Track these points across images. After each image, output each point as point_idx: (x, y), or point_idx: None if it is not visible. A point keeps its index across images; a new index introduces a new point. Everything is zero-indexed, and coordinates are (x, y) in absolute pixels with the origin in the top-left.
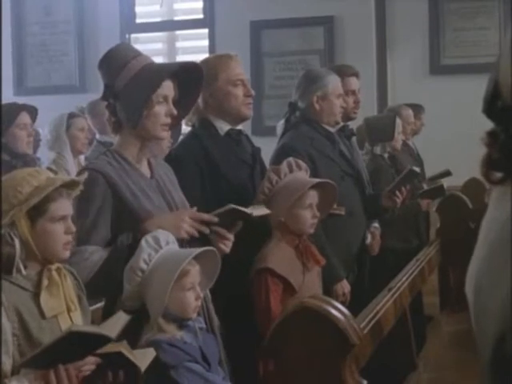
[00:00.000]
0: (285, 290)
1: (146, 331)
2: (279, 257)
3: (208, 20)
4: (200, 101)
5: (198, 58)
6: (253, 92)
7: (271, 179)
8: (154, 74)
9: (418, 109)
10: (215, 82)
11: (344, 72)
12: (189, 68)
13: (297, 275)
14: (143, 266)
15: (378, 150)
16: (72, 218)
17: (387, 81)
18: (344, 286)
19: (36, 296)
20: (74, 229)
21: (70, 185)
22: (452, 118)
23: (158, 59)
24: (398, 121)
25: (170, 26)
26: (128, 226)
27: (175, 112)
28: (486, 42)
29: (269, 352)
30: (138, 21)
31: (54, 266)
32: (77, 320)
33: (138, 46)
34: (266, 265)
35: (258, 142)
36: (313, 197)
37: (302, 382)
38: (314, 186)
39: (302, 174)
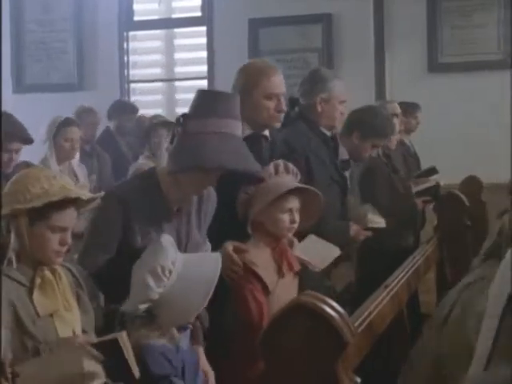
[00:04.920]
0: (259, 289)
1: (137, 327)
2: (255, 256)
3: (206, 18)
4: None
5: (196, 55)
6: (285, 108)
7: None
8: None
9: (414, 107)
10: (252, 90)
11: None
12: None
13: (271, 277)
14: (171, 266)
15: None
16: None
17: (385, 79)
18: (357, 232)
19: (31, 292)
20: (69, 242)
21: (83, 201)
22: (450, 116)
23: (156, 57)
24: (395, 121)
25: (168, 23)
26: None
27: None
28: (484, 40)
29: (263, 349)
30: (136, 18)
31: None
32: (72, 319)
33: (136, 44)
34: (242, 260)
35: None
36: (293, 202)
37: (296, 380)
38: (299, 192)
39: (289, 178)
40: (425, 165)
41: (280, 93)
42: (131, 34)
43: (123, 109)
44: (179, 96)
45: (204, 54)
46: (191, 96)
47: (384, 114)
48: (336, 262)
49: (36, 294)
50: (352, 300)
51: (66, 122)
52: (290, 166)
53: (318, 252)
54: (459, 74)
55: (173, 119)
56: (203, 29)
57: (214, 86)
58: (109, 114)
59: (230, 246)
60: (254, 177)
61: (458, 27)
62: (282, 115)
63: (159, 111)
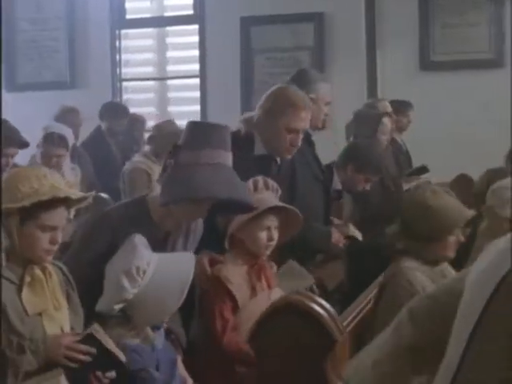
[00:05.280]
0: (229, 307)
1: (112, 327)
2: (232, 272)
3: (198, 16)
4: (256, 113)
5: (188, 53)
6: (299, 144)
7: None
8: None
9: (405, 106)
10: (276, 117)
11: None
12: None
13: (244, 295)
14: (146, 267)
15: None
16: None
17: (377, 77)
18: (337, 238)
19: (20, 290)
20: (59, 241)
21: (74, 200)
22: (442, 114)
23: (148, 55)
24: (386, 120)
25: (160, 21)
26: None
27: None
28: (476, 39)
29: (252, 347)
30: (128, 16)
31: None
32: (61, 318)
33: (128, 42)
34: (218, 274)
35: None
36: (272, 219)
37: (285, 378)
38: (277, 209)
39: (268, 195)
40: (416, 163)
41: (302, 129)
42: (123, 32)
43: (115, 111)
44: (171, 94)
45: (196, 52)
46: (183, 94)
47: (379, 150)
48: (327, 261)
49: (25, 293)
50: (344, 299)
51: (47, 137)
52: (270, 182)
53: (293, 278)
54: (451, 72)
55: (165, 118)
56: (195, 27)
57: (206, 84)
58: (100, 114)
59: (205, 257)
60: (246, 206)
61: (449, 26)
62: (295, 149)
63: (151, 109)
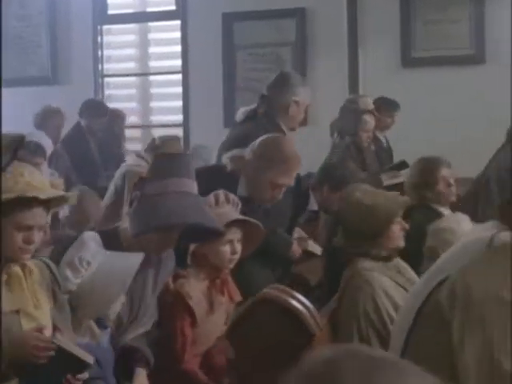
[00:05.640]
0: (188, 323)
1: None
2: (194, 287)
3: (180, 12)
4: (247, 153)
5: (171, 49)
6: (280, 197)
7: None
8: None
9: (391, 105)
10: (267, 168)
11: None
12: None
13: (203, 310)
14: (89, 258)
15: (345, 140)
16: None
17: (359, 73)
18: (296, 250)
19: None
20: (36, 240)
21: (56, 200)
22: (423, 110)
23: (130, 51)
24: (367, 118)
25: (142, 17)
26: None
27: None
28: (457, 35)
29: (231, 342)
30: (110, 12)
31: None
32: (41, 316)
33: (110, 38)
34: (179, 289)
35: None
36: (234, 233)
37: (263, 373)
38: (239, 222)
39: (229, 208)
40: (397, 159)
41: (288, 185)
42: (105, 27)
43: (95, 109)
44: (153, 90)
45: (178, 47)
46: (165, 90)
47: (353, 167)
48: (309, 257)
49: (2, 291)
50: (325, 295)
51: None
52: (231, 196)
53: None
54: (432, 68)
55: (147, 114)
56: (177, 23)
57: (189, 80)
58: (80, 111)
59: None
60: (214, 231)
61: (431, 22)
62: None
63: (133, 105)
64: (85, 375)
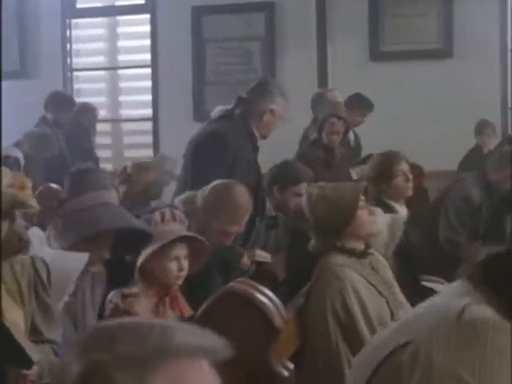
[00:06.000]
0: None
1: None
2: (143, 305)
3: (149, 5)
4: (199, 197)
5: (140, 43)
6: (230, 242)
7: None
8: None
9: (366, 105)
10: (218, 214)
11: None
12: None
13: None
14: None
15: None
16: None
17: (327, 67)
18: (246, 262)
19: None
20: None
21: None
22: (391, 104)
23: (99, 45)
24: (334, 120)
25: (111, 11)
26: None
27: None
28: (426, 29)
29: None
30: (78, 6)
31: None
32: (15, 316)
33: (79, 32)
34: (128, 309)
35: (198, 127)
36: (180, 249)
37: (229, 365)
38: (186, 239)
39: (174, 226)
40: (366, 153)
41: (237, 231)
42: (74, 21)
43: (61, 101)
44: (123, 84)
45: (147, 41)
46: (135, 84)
47: (294, 162)
48: (278, 251)
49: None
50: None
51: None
52: (177, 213)
53: None
54: (400, 62)
55: (116, 108)
56: (147, 16)
57: (158, 73)
58: (46, 104)
59: (117, 295)
60: (144, 234)
61: (399, 16)
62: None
63: (103, 99)
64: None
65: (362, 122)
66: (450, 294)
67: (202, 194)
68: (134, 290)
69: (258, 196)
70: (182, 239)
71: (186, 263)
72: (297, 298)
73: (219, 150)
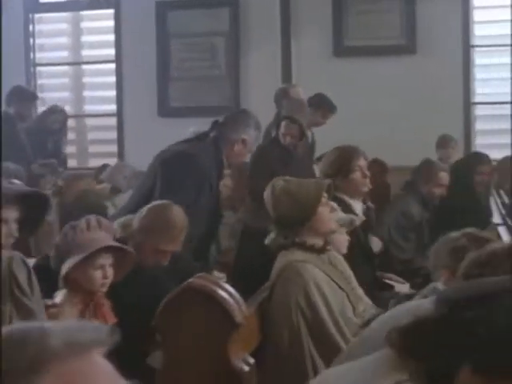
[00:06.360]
0: None
1: None
2: (67, 313)
3: (114, 0)
4: (136, 220)
5: (104, 38)
6: (166, 262)
7: (67, 235)
8: None
9: (329, 107)
10: (154, 233)
11: None
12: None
13: None
14: None
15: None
16: None
17: (291, 62)
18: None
19: None
20: None
21: None
22: (355, 100)
23: (63, 40)
24: (288, 122)
25: (75, 5)
26: None
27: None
28: (389, 25)
29: (158, 330)
30: (41, 0)
31: None
32: None
33: (42, 27)
34: (54, 318)
35: (163, 123)
36: (105, 258)
37: (189, 361)
38: (111, 248)
39: (100, 234)
40: (329, 148)
41: (173, 250)
42: (37, 16)
43: (23, 95)
44: (86, 79)
45: (112, 36)
46: (99, 79)
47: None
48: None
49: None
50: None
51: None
52: (103, 221)
53: None
54: (364, 58)
55: (80, 103)
56: (111, 11)
57: (122, 69)
58: (8, 99)
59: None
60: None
61: (363, 12)
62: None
63: (66, 95)
64: None
65: (324, 123)
66: (376, 366)
67: (139, 215)
68: (57, 299)
69: (214, 221)
70: (108, 248)
71: (110, 271)
72: (259, 293)
73: (188, 171)
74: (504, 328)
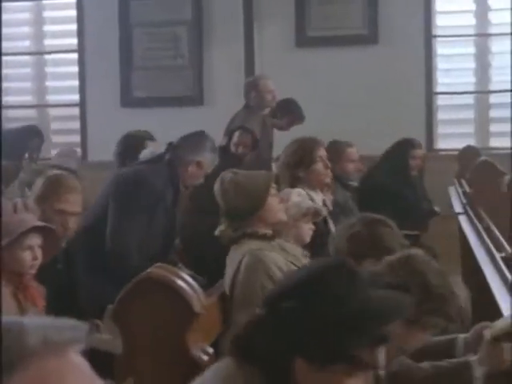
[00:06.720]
0: None
1: None
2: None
3: None
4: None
5: (66, 27)
6: (69, 225)
7: None
8: None
9: (298, 117)
10: (47, 199)
11: None
12: None
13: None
14: None
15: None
16: None
17: (254, 52)
18: None
19: None
20: None
21: None
22: (318, 89)
23: (25, 29)
24: (241, 132)
25: None
26: None
27: None
28: (351, 15)
29: (116, 320)
30: None
31: None
32: None
33: (4, 16)
34: None
35: (126, 113)
36: (33, 239)
37: (147, 350)
38: (39, 229)
39: (27, 216)
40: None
41: (71, 212)
42: None
43: None
44: (49, 69)
45: (74, 26)
46: (61, 69)
47: None
48: None
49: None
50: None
51: None
52: (29, 203)
53: None
54: (326, 48)
55: (43, 93)
56: (73, 1)
57: (85, 58)
58: None
59: None
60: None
61: (325, 2)
62: None
63: (28, 85)
64: None
65: (287, 130)
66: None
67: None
68: None
69: (168, 244)
70: (35, 229)
71: (39, 252)
72: (219, 284)
73: (142, 192)
74: (318, 314)
